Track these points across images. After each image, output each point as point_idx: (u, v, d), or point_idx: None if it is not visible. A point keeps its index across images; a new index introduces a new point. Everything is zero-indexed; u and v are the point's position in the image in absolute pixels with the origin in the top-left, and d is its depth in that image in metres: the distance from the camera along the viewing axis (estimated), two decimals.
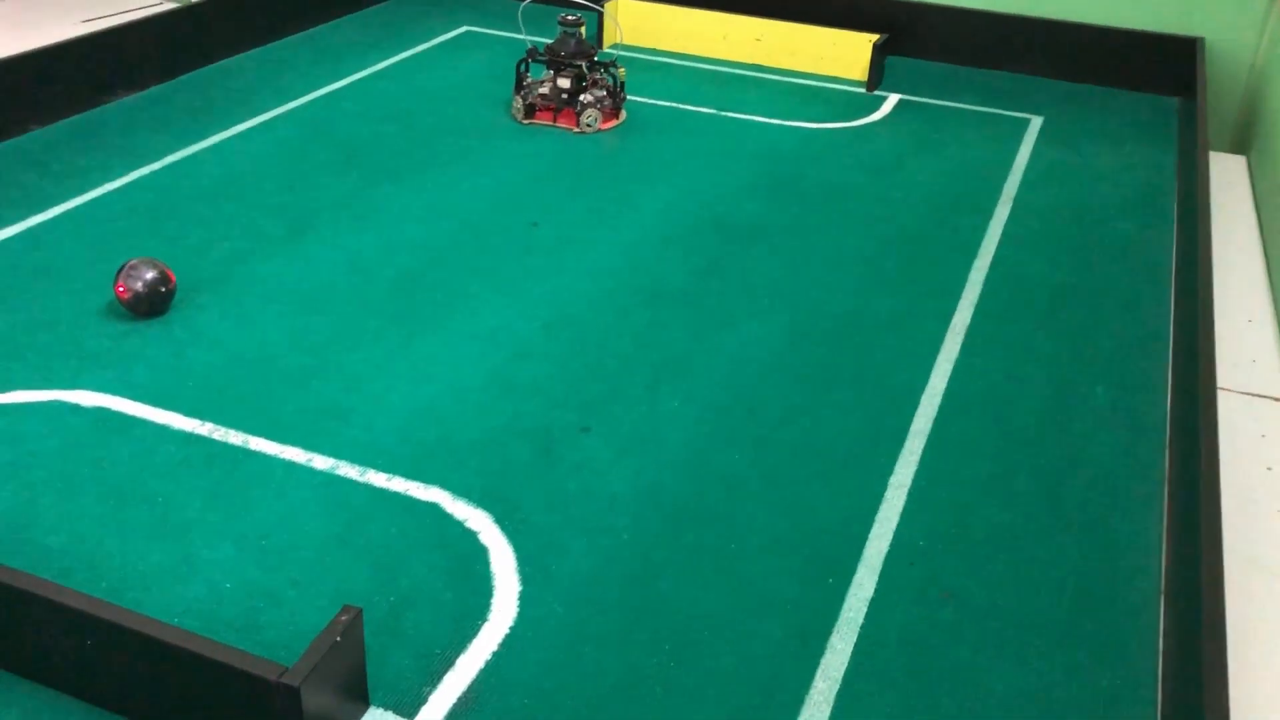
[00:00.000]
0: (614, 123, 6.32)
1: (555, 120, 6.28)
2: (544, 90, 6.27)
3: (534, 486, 3.59)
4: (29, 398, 3.92)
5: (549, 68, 6.31)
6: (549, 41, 6.40)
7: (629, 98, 6.60)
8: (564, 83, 6.21)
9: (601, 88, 6.30)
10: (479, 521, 3.44)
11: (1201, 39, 7.07)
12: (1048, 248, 5.25)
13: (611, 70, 6.31)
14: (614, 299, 4.68)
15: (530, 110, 6.28)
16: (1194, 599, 2.89)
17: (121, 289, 4.25)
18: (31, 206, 5.21)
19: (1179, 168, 6.13)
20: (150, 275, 4.30)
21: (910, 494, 3.63)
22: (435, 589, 3.18)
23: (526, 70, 6.33)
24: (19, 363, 4.09)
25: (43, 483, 3.51)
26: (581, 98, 6.19)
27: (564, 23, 6.28)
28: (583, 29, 6.32)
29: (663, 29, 7.71)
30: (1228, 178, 5.93)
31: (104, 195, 5.36)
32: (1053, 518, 3.56)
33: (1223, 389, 4.00)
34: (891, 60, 7.50)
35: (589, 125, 6.13)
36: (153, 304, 4.34)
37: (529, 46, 6.39)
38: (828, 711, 2.87)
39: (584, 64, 6.23)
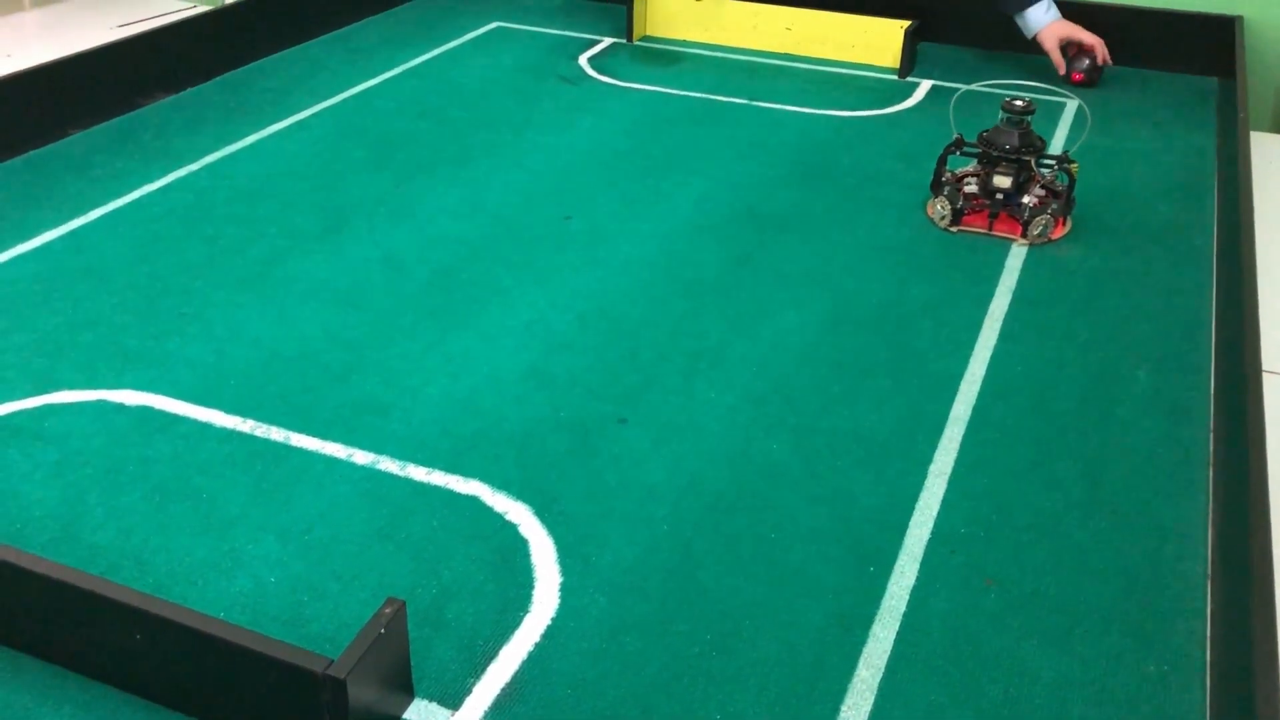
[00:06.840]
0: (1062, 231, 5.13)
1: (991, 228, 5.08)
2: (971, 188, 5.15)
3: (573, 478, 3.60)
4: (74, 398, 3.97)
5: (979, 161, 5.15)
6: (986, 131, 5.13)
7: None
8: (1002, 181, 5.02)
9: (1043, 187, 5.07)
10: (519, 514, 3.45)
11: (1240, 17, 6.97)
12: (1085, 232, 5.19)
13: (1064, 167, 5.09)
14: (649, 290, 4.68)
15: (958, 216, 5.10)
16: (1242, 583, 2.86)
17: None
18: (73, 209, 5.28)
19: (1219, 149, 6.05)
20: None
21: (951, 481, 3.61)
22: (477, 581, 3.19)
23: (945, 164, 5.20)
24: (63, 363, 4.15)
25: (89, 481, 3.56)
26: (1024, 199, 5.03)
27: (1009, 109, 5.03)
28: (1031, 117, 5.06)
29: (691, 19, 7.70)
30: (1269, 158, 5.85)
31: (143, 197, 5.43)
32: (1095, 503, 3.53)
33: (1268, 372, 3.95)
34: (923, 46, 7.45)
35: (1039, 236, 5.00)
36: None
37: (955, 136, 5.21)
38: (872, 699, 2.86)
39: (1032, 159, 5.05)
